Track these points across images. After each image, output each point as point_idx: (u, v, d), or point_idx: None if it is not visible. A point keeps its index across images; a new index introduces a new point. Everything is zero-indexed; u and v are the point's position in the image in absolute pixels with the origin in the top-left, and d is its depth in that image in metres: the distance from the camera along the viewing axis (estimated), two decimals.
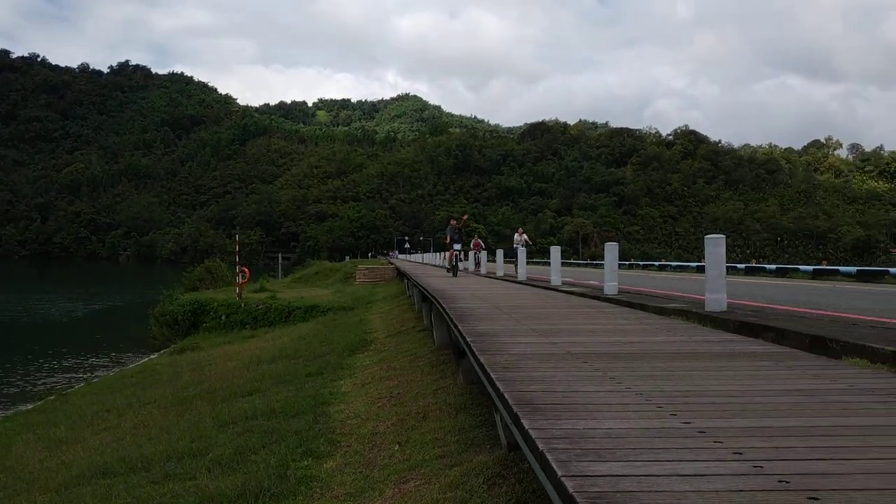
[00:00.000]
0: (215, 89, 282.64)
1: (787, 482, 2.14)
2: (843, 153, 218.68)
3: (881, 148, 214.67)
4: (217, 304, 29.97)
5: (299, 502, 5.57)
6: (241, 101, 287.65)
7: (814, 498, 2.00)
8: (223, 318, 28.84)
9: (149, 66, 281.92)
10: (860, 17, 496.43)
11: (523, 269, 19.26)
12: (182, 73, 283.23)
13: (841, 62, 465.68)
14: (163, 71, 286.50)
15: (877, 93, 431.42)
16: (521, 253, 20.09)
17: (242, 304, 29.47)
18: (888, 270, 25.16)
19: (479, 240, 33.60)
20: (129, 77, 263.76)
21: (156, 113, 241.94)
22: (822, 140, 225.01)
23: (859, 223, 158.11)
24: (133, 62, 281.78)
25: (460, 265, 25.64)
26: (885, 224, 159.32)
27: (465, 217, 25.51)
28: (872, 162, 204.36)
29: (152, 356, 24.27)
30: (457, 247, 23.08)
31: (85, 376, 21.27)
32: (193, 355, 20.91)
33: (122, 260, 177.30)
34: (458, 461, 5.51)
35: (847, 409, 3.27)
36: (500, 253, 24.40)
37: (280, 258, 79.21)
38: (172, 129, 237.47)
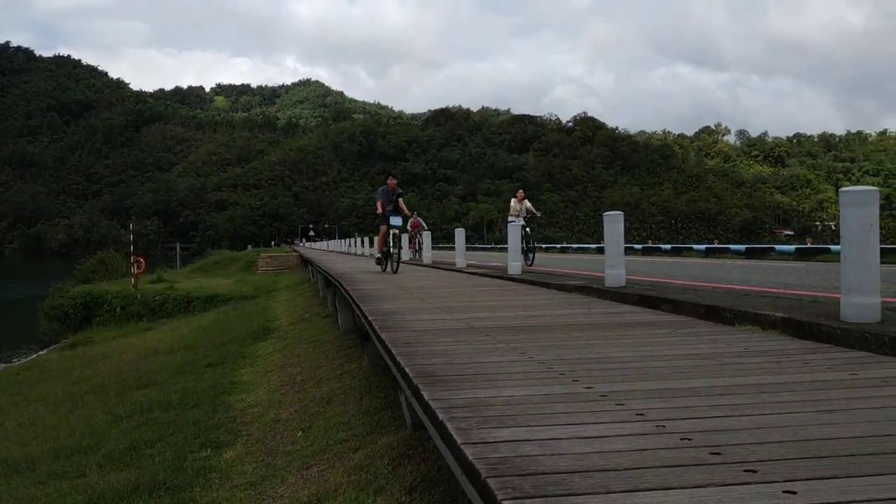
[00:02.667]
0: (106, 73, 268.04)
1: (690, 439, 2.12)
2: (731, 139, 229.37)
3: (765, 134, 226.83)
4: (111, 297, 28.86)
5: (197, 494, 5.36)
6: (134, 86, 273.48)
7: (716, 453, 1.98)
8: (118, 310, 27.77)
9: (32, 48, 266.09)
10: (743, 8, 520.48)
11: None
12: (69, 56, 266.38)
13: (726, 52, 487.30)
14: (48, 53, 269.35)
15: (759, 82, 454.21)
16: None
17: (139, 296, 28.45)
18: (774, 248, 26.57)
19: (418, 218, 26.62)
20: (11, 59, 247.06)
21: (41, 98, 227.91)
22: (712, 126, 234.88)
23: (747, 206, 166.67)
24: (14, 43, 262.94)
25: (402, 253, 15.17)
26: (769, 206, 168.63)
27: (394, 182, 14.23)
28: (758, 147, 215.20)
29: (41, 352, 23.18)
30: (395, 221, 13.32)
31: None
32: (86, 349, 20.12)
33: (8, 253, 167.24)
34: (362, 444, 5.43)
35: (743, 369, 3.33)
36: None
37: (178, 248, 76.76)
38: (60, 114, 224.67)
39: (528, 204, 16.23)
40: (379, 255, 14.52)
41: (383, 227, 13.53)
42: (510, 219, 15.85)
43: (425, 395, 2.77)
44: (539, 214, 16.63)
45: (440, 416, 2.43)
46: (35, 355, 22.48)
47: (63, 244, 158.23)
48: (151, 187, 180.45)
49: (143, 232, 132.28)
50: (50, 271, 58.74)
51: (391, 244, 13.54)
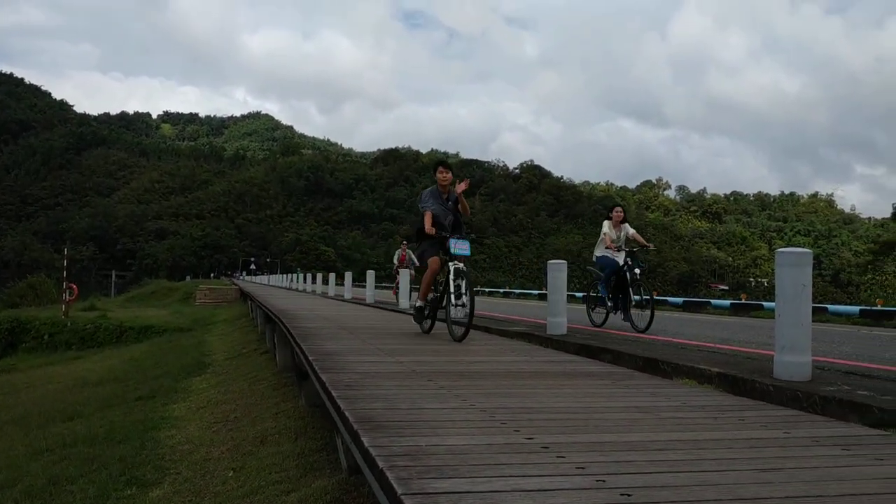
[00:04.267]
0: (49, 94, 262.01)
1: (629, 495, 2.12)
2: (671, 193, 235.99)
3: (704, 190, 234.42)
4: (39, 323, 27.91)
5: None
6: (78, 109, 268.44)
7: None
8: (46, 337, 26.85)
9: None
10: (686, 69, 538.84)
11: None
12: (11, 74, 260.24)
13: (668, 110, 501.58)
14: None
15: (699, 140, 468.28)
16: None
17: (69, 324, 27.52)
18: (710, 301, 27.17)
19: (407, 250, 20.36)
20: None
21: None
22: (654, 181, 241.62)
23: (684, 259, 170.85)
24: None
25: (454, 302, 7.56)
26: (706, 261, 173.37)
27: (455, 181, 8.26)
28: (696, 203, 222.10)
29: None
30: (459, 249, 7.54)
31: None
32: (8, 377, 19.42)
33: None
34: (295, 487, 5.28)
35: (681, 424, 3.37)
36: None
37: (114, 275, 74.77)
38: None
39: (629, 230, 10.63)
40: (420, 304, 8.32)
41: (434, 260, 7.94)
42: (599, 252, 10.78)
43: (365, 442, 2.72)
44: (651, 246, 10.97)
45: (380, 463, 2.38)
46: None
47: None
48: (89, 212, 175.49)
49: (77, 258, 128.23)
50: None
51: (451, 288, 7.42)
